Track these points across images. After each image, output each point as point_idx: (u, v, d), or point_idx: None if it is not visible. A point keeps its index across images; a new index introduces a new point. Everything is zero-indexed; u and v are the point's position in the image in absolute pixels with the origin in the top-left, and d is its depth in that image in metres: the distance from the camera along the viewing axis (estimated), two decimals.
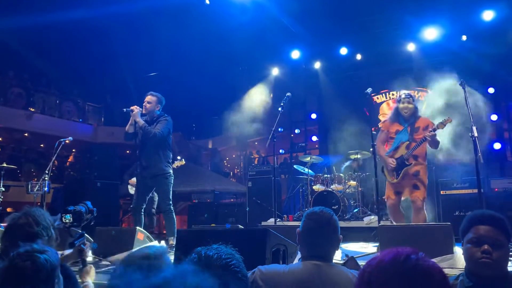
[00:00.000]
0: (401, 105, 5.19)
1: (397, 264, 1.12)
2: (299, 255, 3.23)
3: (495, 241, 1.97)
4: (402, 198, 5.19)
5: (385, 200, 5.32)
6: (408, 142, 5.09)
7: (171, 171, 5.83)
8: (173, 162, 6.14)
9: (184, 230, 4.33)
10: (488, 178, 7.61)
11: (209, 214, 9.27)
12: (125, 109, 5.85)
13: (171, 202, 5.76)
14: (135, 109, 5.74)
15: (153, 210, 7.06)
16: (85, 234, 3.37)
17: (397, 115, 5.22)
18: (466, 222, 2.11)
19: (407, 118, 5.18)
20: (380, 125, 5.54)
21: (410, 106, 5.15)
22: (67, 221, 4.85)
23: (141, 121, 5.71)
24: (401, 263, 1.12)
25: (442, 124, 4.86)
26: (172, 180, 5.85)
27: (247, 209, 8.66)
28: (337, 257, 3.41)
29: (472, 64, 8.92)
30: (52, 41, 13.42)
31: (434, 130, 4.87)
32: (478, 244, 1.98)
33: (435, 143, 4.96)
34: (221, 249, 1.35)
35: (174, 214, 5.77)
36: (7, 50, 13.39)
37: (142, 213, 5.84)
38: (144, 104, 5.86)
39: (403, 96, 5.22)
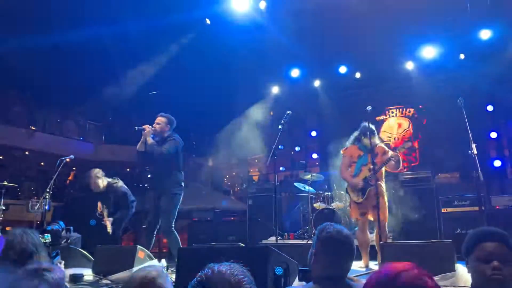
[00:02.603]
0: (365, 140, 5.53)
1: (388, 281, 1.13)
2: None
3: (504, 257, 1.95)
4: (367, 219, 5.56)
5: (354, 221, 5.77)
6: (370, 165, 5.41)
7: (178, 191, 5.77)
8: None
9: (185, 248, 4.32)
10: (489, 196, 7.61)
11: (209, 233, 9.21)
12: (136, 128, 5.82)
13: (173, 224, 5.68)
14: (147, 128, 5.73)
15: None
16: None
17: (357, 142, 5.67)
18: (471, 239, 2.08)
19: (367, 147, 5.54)
20: (342, 151, 5.89)
21: (373, 140, 5.49)
22: (46, 240, 4.90)
23: (150, 140, 5.70)
24: (392, 279, 1.13)
25: (403, 148, 5.55)
26: (178, 202, 5.79)
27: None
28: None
29: (470, 82, 9.00)
30: (53, 59, 13.55)
31: (397, 153, 5.38)
32: (487, 261, 1.96)
33: (398, 164, 5.36)
34: (234, 266, 1.37)
35: (176, 234, 5.69)
36: (9, 68, 13.51)
37: (155, 234, 5.76)
38: (154, 125, 5.87)
39: (368, 133, 5.49)
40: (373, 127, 5.54)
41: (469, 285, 3.14)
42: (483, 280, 1.97)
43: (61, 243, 5.41)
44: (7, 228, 10.06)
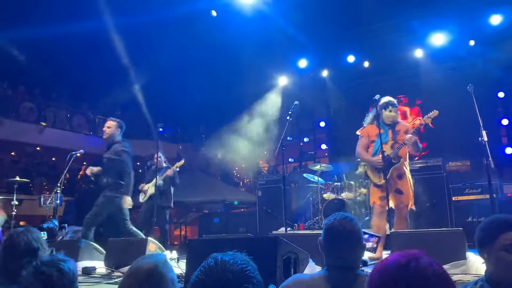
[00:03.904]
0: (386, 113, 5.17)
1: (399, 267, 1.12)
2: (310, 262, 3.23)
3: None
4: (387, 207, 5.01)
5: (372, 206, 5.29)
6: (392, 142, 5.05)
7: (111, 194, 5.66)
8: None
9: (195, 240, 4.35)
10: (501, 184, 7.53)
11: (220, 224, 9.27)
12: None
13: (90, 220, 5.55)
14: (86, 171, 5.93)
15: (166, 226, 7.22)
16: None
17: (377, 120, 5.16)
18: (491, 228, 2.00)
19: (388, 124, 5.20)
20: (359, 131, 5.49)
21: (394, 114, 5.18)
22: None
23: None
24: (402, 266, 1.12)
25: (429, 118, 5.02)
26: (109, 205, 5.65)
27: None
28: None
29: (480, 69, 8.87)
30: (62, 55, 13.63)
31: (421, 125, 5.00)
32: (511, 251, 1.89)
33: (415, 145, 4.96)
34: (237, 255, 1.38)
35: (86, 235, 5.51)
36: (18, 65, 13.61)
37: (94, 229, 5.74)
38: (104, 129, 5.95)
39: (390, 104, 5.17)
40: (395, 100, 5.21)
41: (480, 273, 3.12)
42: (506, 272, 1.90)
43: (56, 240, 5.56)
44: (21, 223, 10.22)
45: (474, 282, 2.06)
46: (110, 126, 5.93)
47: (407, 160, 5.22)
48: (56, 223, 5.65)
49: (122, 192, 5.66)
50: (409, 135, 4.95)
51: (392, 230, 4.56)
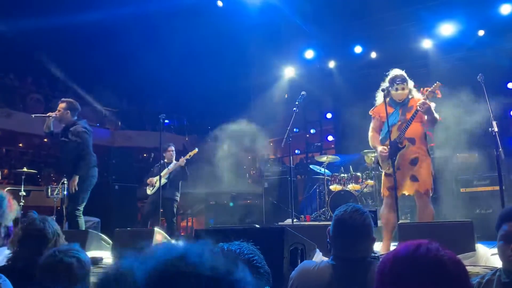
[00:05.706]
0: (393, 92, 4.66)
1: (408, 253, 1.13)
2: (317, 253, 3.21)
3: None
4: (399, 194, 4.52)
5: (382, 197, 4.86)
6: (400, 123, 4.50)
7: (83, 173, 5.59)
8: None
9: (202, 230, 4.35)
10: (509, 175, 7.45)
11: (226, 216, 9.29)
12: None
13: (78, 208, 5.52)
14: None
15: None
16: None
17: (386, 97, 4.66)
18: (498, 219, 2.07)
19: (398, 101, 4.69)
20: (370, 112, 4.93)
21: (405, 91, 4.65)
22: None
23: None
24: (412, 251, 1.13)
25: (432, 93, 4.48)
26: (85, 185, 5.59)
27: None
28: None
29: (489, 59, 8.75)
30: (68, 46, 13.63)
31: (425, 99, 4.46)
32: (508, 241, 1.94)
33: (429, 113, 4.43)
34: (243, 245, 1.37)
35: (80, 221, 5.51)
36: (25, 56, 13.64)
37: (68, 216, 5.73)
38: (56, 111, 5.80)
39: (396, 81, 4.65)
40: (403, 73, 4.69)
41: (489, 265, 3.11)
42: (505, 261, 1.96)
43: None
44: None
45: (493, 272, 2.08)
46: (60, 109, 5.78)
47: (425, 144, 4.59)
48: (36, 214, 5.67)
49: (77, 172, 5.52)
50: (421, 101, 4.41)
51: (401, 221, 4.50)
